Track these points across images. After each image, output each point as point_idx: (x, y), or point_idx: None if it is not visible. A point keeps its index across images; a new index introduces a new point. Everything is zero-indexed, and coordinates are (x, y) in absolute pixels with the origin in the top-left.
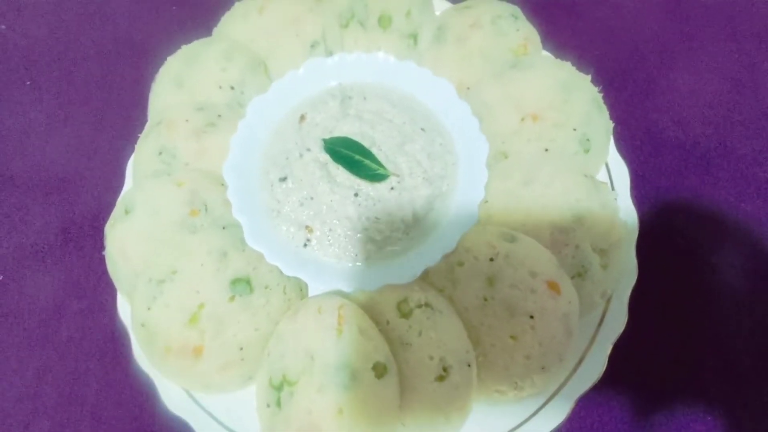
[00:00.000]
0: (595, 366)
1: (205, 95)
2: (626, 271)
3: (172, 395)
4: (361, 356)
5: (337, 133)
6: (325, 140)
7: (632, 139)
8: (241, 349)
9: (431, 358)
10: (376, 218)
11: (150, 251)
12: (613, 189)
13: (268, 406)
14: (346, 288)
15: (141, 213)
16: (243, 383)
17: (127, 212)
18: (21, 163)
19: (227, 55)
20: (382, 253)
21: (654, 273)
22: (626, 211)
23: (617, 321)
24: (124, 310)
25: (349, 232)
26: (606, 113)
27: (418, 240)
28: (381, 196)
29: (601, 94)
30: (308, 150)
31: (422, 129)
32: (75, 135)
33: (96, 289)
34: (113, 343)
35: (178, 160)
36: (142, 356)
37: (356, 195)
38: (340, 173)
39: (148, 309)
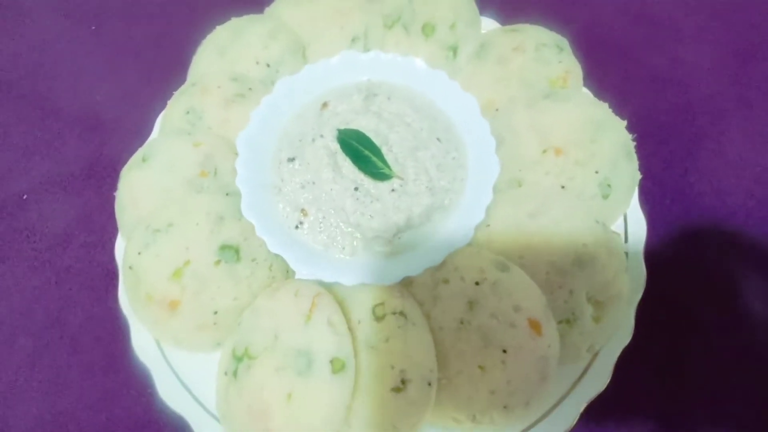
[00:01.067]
0: (564, 420)
1: (243, 68)
2: (620, 329)
3: (142, 342)
4: (322, 347)
5: (353, 126)
6: (339, 130)
7: (662, 197)
8: (216, 313)
9: (392, 367)
10: (370, 216)
11: (156, 201)
12: (626, 242)
13: (226, 374)
14: (324, 276)
15: (156, 164)
16: (212, 347)
17: (144, 160)
18: (70, 99)
19: (272, 34)
20: (369, 252)
21: (651, 339)
22: (634, 269)
23: (598, 379)
24: (121, 251)
25: (341, 224)
26: (635, 162)
27: (406, 247)
28: (380, 195)
29: (635, 143)
30: (321, 136)
31: (438, 139)
32: (122, 83)
33: (104, 227)
34: (105, 280)
35: (203, 123)
36: (124, 298)
37: (356, 189)
38: (347, 164)
39: (139, 254)
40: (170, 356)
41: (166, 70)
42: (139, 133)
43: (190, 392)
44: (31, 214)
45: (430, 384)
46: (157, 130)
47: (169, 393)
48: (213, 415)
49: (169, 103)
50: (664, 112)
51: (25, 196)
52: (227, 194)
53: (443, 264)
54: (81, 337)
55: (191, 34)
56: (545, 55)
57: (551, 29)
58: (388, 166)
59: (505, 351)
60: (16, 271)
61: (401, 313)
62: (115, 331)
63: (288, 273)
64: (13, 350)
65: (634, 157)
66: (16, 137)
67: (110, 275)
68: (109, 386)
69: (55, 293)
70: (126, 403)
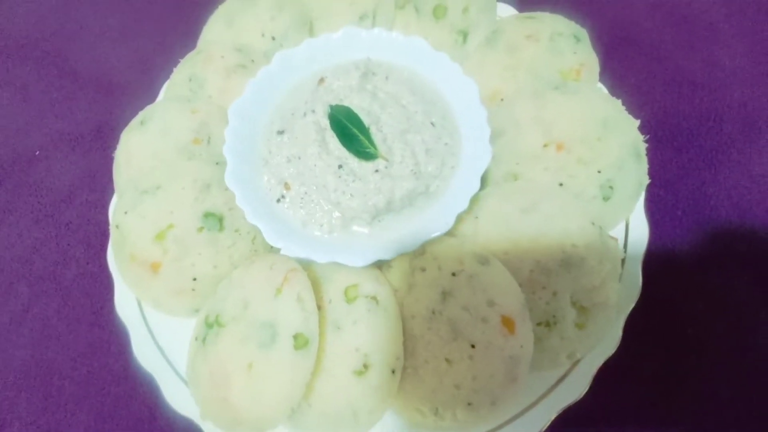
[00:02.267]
0: (533, 426)
1: (248, 39)
2: (606, 339)
3: (124, 301)
4: (287, 322)
5: (346, 103)
6: (330, 106)
7: (673, 206)
8: (195, 279)
9: (357, 350)
10: (351, 195)
11: (148, 164)
12: (624, 250)
13: (196, 339)
14: (297, 252)
15: (153, 128)
16: (189, 313)
17: (142, 123)
18: (87, 60)
19: (279, 6)
20: (346, 232)
21: (639, 354)
22: (629, 277)
23: (575, 389)
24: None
25: (321, 200)
26: (644, 166)
27: (385, 228)
28: (363, 174)
29: (647, 145)
30: (313, 111)
31: (432, 123)
32: (137, 48)
33: (105, 188)
34: (102, 239)
35: (204, 91)
36: (112, 256)
37: (340, 167)
38: (334, 141)
39: (125, 213)
40: (149, 317)
41: (181, 37)
42: (149, 98)
43: (163, 354)
44: (40, 170)
45: (393, 371)
46: (162, 96)
47: (143, 352)
48: (183, 379)
49: (175, 69)
50: (686, 116)
51: (37, 152)
52: (217, 163)
53: (423, 252)
54: (72, 291)
55: (208, 2)
56: (560, 45)
57: (573, 19)
58: (375, 146)
59: (473, 346)
60: (20, 222)
61: (373, 298)
62: (104, 288)
63: (272, 248)
64: (10, 296)
65: (644, 159)
66: (36, 95)
67: (105, 234)
68: (92, 340)
69: (54, 246)
70: (106, 358)
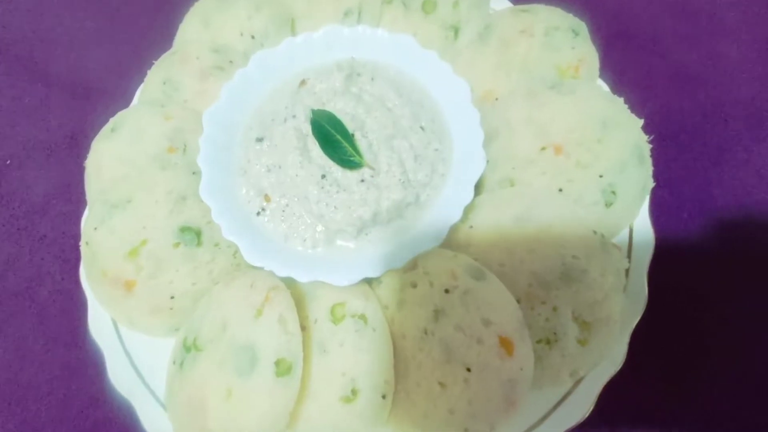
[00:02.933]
0: None
1: (226, 39)
2: (610, 356)
3: (99, 320)
4: (268, 346)
5: (329, 107)
6: (312, 111)
7: (678, 209)
8: (173, 298)
9: (343, 374)
10: (335, 207)
11: (120, 174)
12: (628, 259)
13: (174, 363)
14: (277, 270)
15: (124, 135)
16: (168, 332)
17: (113, 130)
18: (61, 64)
19: (257, 5)
20: (331, 246)
21: (646, 371)
22: (634, 289)
23: (579, 408)
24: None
25: (304, 213)
26: (648, 168)
27: (371, 243)
28: (348, 185)
29: (651, 146)
30: (294, 116)
31: (422, 128)
32: (113, 51)
33: (81, 198)
34: (77, 252)
35: (179, 95)
36: (84, 274)
37: (323, 177)
38: (316, 149)
39: (95, 229)
40: (126, 338)
41: (159, 39)
42: (125, 103)
43: (140, 377)
44: (12, 180)
45: (384, 396)
46: (137, 100)
47: (119, 376)
48: (161, 403)
49: (149, 72)
50: (691, 113)
51: (8, 161)
52: (194, 173)
53: (413, 266)
54: (48, 308)
55: (184, 3)
56: (556, 40)
57: (569, 11)
58: (359, 154)
59: (468, 369)
60: None
61: (361, 316)
62: (81, 305)
63: None
64: None
65: (648, 161)
66: (6, 101)
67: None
68: (69, 361)
69: (28, 261)
70: (84, 380)
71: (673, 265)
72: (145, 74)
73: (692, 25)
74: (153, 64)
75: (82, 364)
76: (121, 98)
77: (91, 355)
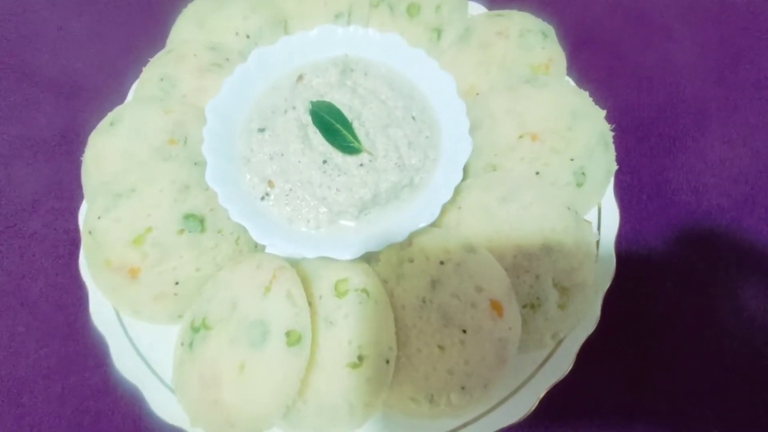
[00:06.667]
0: (523, 406)
1: (221, 38)
2: (586, 318)
3: (100, 309)
4: (278, 319)
5: (327, 99)
6: (312, 102)
7: (639, 191)
8: (177, 284)
9: (350, 342)
10: (337, 189)
11: (121, 166)
12: (598, 232)
13: (182, 344)
14: (286, 248)
15: (124, 129)
16: (172, 319)
17: (112, 125)
18: (47, 63)
19: (252, 6)
20: (334, 227)
21: (617, 329)
22: (604, 258)
23: (560, 367)
24: (84, 216)
25: (307, 196)
26: (612, 153)
27: (371, 222)
28: (348, 169)
29: (613, 133)
30: (294, 108)
31: (413, 117)
32: (102, 50)
33: (72, 194)
34: (70, 248)
35: (177, 91)
36: (84, 264)
37: (324, 162)
38: (317, 137)
39: (99, 218)
40: (128, 325)
41: (148, 38)
42: (116, 100)
43: (146, 362)
44: None
45: (387, 362)
46: (131, 97)
47: (124, 362)
48: (169, 387)
49: (144, 69)
50: (646, 108)
51: None
52: (195, 164)
53: (409, 244)
54: (41, 305)
55: (176, 3)
56: (529, 41)
57: (539, 17)
58: (358, 141)
59: (464, 331)
60: None
61: (363, 290)
62: (76, 299)
63: (257, 247)
64: None
65: (612, 147)
66: None
67: (75, 243)
68: (66, 355)
69: (18, 259)
70: (83, 372)
71: (636, 237)
72: (135, 72)
73: (646, 32)
74: (145, 62)
75: (80, 357)
76: (112, 95)
77: (89, 348)
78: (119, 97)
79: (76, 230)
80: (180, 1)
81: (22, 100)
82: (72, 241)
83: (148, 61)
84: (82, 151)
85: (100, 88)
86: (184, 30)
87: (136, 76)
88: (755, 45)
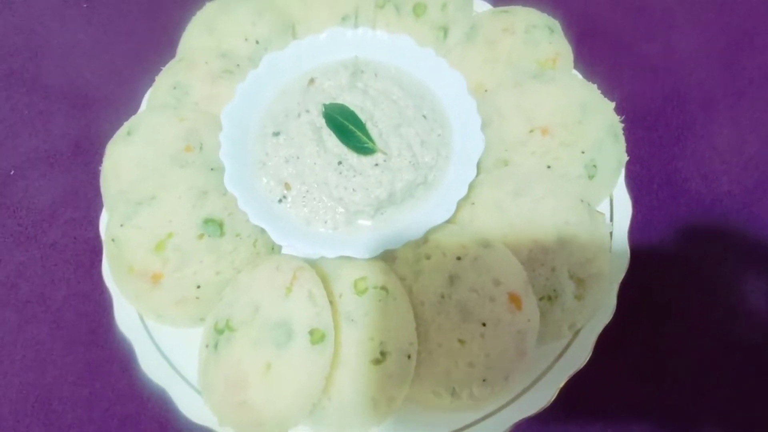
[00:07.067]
0: (543, 396)
1: (231, 44)
2: (602, 308)
3: (125, 315)
4: (301, 319)
5: (339, 101)
6: (325, 104)
7: (649, 181)
8: (198, 287)
9: (372, 339)
10: (353, 190)
11: (139, 175)
12: (611, 222)
13: (207, 347)
14: (306, 249)
15: (140, 138)
16: (194, 323)
17: (128, 134)
18: (58, 75)
19: (260, 12)
20: (351, 226)
21: (633, 318)
22: (618, 249)
23: (579, 356)
24: (105, 225)
25: (324, 197)
26: (622, 145)
27: (388, 221)
28: (363, 169)
29: (623, 125)
30: (307, 111)
31: (424, 116)
32: (112, 60)
33: (90, 203)
34: (90, 256)
35: (190, 98)
36: (108, 271)
37: (340, 163)
38: (331, 139)
39: (121, 226)
40: (153, 329)
41: (157, 47)
42: (128, 110)
43: (171, 365)
44: (17, 190)
45: (409, 357)
46: (145, 106)
47: (151, 365)
48: (195, 388)
49: (157, 78)
50: (653, 98)
51: (12, 172)
52: (212, 169)
53: (426, 241)
54: (64, 312)
55: (182, 12)
56: (535, 36)
57: (542, 11)
58: (372, 141)
59: (484, 324)
60: (1, 246)
61: (383, 288)
62: (99, 306)
63: (273, 249)
64: None
65: (622, 138)
66: (4, 113)
67: (95, 251)
68: (92, 361)
69: (40, 269)
70: (109, 377)
71: (648, 227)
72: (147, 81)
73: (648, 21)
74: (157, 71)
75: (105, 362)
76: (124, 105)
77: (114, 353)
78: (131, 107)
79: (96, 238)
80: (186, 8)
81: (33, 113)
82: (92, 250)
83: (159, 69)
84: (97, 161)
85: (111, 97)
86: (194, 37)
87: (148, 85)
88: (760, 29)
